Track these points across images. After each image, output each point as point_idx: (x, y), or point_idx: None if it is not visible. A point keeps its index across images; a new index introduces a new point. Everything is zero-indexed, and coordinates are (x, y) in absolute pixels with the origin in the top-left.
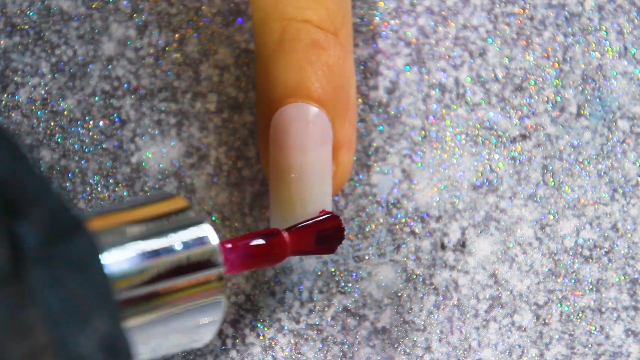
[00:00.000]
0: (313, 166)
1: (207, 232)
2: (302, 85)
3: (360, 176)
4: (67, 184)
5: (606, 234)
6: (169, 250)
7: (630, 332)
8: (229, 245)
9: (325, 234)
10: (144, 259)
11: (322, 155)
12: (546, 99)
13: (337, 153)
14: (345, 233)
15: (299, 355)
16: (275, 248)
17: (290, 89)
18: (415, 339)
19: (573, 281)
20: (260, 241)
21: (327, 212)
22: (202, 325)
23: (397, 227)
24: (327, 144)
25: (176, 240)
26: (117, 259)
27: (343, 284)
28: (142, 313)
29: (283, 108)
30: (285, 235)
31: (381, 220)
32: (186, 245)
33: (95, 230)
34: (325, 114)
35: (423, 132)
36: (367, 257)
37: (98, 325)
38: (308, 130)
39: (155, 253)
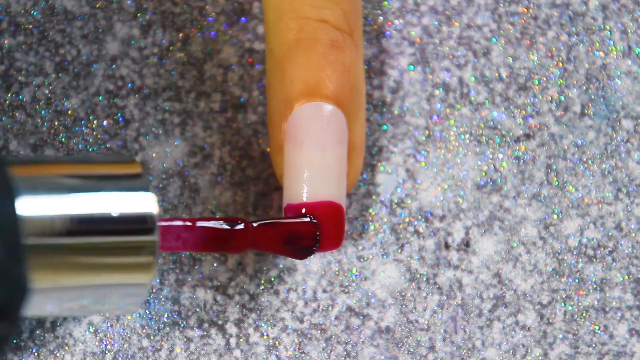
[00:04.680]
0: (331, 166)
1: (148, 200)
2: (321, 84)
3: (364, 175)
4: None
5: (610, 234)
6: (98, 209)
7: (634, 332)
8: (188, 224)
9: (296, 238)
10: (65, 211)
11: (339, 155)
12: (550, 98)
13: (350, 154)
14: (315, 242)
15: (303, 355)
16: (235, 238)
17: (309, 88)
18: (419, 338)
19: (577, 281)
20: (222, 226)
21: (306, 216)
22: (122, 296)
23: (401, 226)
24: (344, 144)
25: (109, 201)
26: (35, 204)
27: (347, 284)
28: (56, 264)
29: (302, 106)
30: (251, 227)
31: (385, 220)
32: (119, 207)
33: (18, 174)
34: (342, 114)
35: (427, 132)
36: (370, 257)
37: None
38: (327, 129)
39: (82, 209)
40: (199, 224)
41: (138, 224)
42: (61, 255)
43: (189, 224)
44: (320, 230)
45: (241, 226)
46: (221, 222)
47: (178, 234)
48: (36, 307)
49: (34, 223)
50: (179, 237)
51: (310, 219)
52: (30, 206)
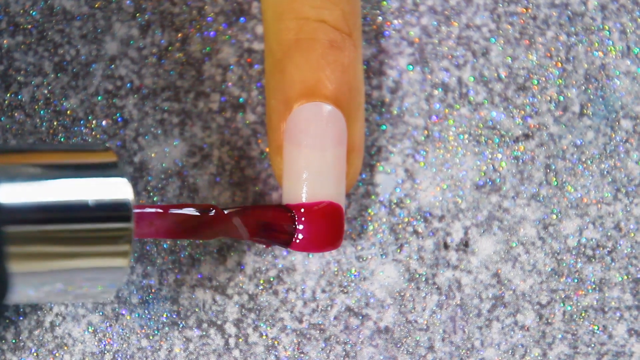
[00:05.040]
0: (330, 166)
1: (123, 187)
2: (321, 84)
3: (363, 176)
4: None
5: (609, 234)
6: (74, 196)
7: (633, 332)
8: (160, 210)
9: (268, 228)
10: (42, 198)
11: (339, 155)
12: (549, 98)
13: (349, 154)
14: (290, 236)
15: (302, 355)
16: (206, 224)
17: (308, 88)
18: (418, 338)
19: (576, 281)
20: (193, 213)
21: (283, 208)
22: (99, 281)
23: (400, 226)
24: (344, 144)
25: (85, 188)
26: (10, 192)
27: (346, 284)
28: (34, 251)
29: (301, 107)
30: (222, 214)
31: (384, 220)
32: (95, 194)
33: None
34: (342, 114)
35: (426, 132)
36: (369, 257)
37: None
38: (326, 129)
39: (58, 196)
40: (171, 210)
41: (114, 210)
42: (39, 243)
43: (161, 210)
44: (319, 229)
45: (212, 213)
46: (193, 209)
47: (151, 220)
48: (17, 293)
49: (10, 211)
50: (152, 223)
51: (288, 211)
52: (6, 194)
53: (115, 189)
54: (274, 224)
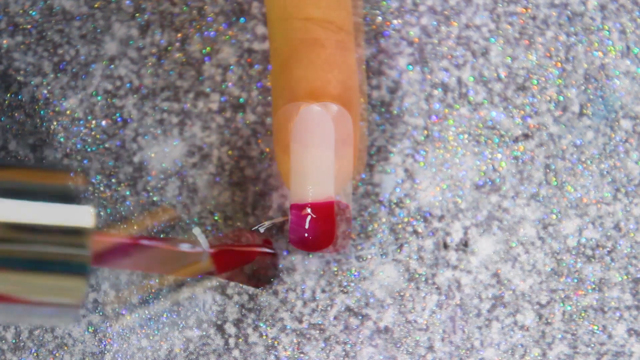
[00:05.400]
0: (337, 166)
1: (84, 213)
2: (329, 84)
3: (363, 175)
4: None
5: (609, 234)
6: (35, 218)
7: (632, 332)
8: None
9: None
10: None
11: (345, 155)
12: (549, 98)
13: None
14: (275, 274)
15: (302, 355)
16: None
17: (315, 89)
18: (417, 338)
19: (575, 281)
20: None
21: (266, 246)
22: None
23: (400, 226)
24: (350, 144)
25: (47, 211)
26: None
27: (345, 284)
28: None
29: (309, 107)
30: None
31: (384, 220)
32: (56, 218)
33: None
34: (348, 114)
35: (425, 132)
36: (369, 257)
37: None
38: (335, 130)
39: (18, 216)
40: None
41: (73, 236)
42: None
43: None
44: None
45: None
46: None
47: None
48: None
49: None
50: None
51: (270, 249)
52: None
53: (77, 214)
54: (259, 263)
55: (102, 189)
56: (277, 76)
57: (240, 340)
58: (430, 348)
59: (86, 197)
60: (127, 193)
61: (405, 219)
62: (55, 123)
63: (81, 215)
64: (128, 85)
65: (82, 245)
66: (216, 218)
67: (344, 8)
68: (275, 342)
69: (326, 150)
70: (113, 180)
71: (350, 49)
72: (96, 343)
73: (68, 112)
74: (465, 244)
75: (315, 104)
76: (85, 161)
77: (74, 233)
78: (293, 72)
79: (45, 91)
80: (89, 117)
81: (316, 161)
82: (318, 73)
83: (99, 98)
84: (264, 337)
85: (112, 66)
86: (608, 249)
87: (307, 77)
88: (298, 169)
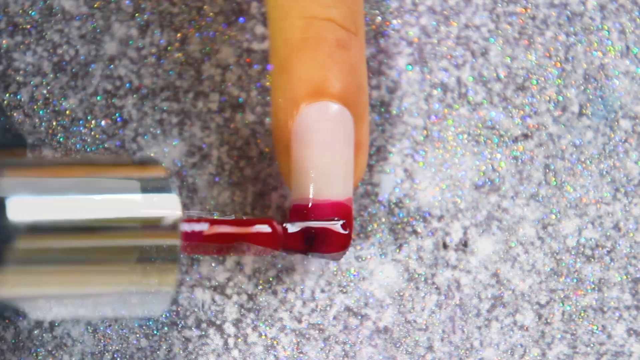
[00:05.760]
0: (339, 165)
1: (171, 202)
2: (329, 84)
3: None
4: None
5: (608, 234)
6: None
7: (632, 332)
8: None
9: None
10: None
11: (347, 154)
12: (548, 98)
13: (355, 153)
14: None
15: (301, 355)
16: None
17: (317, 88)
18: (417, 338)
19: (575, 281)
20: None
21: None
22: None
23: (399, 226)
24: (351, 143)
25: (133, 202)
26: (23, 205)
27: (345, 284)
28: (49, 265)
29: (310, 106)
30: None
31: (383, 220)
32: (142, 209)
33: (11, 176)
34: (349, 113)
35: (425, 132)
36: (369, 257)
37: None
38: (336, 129)
39: (89, 213)
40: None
41: (164, 226)
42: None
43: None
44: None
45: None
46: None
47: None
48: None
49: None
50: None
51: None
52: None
53: (163, 203)
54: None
55: None
56: (277, 75)
57: (239, 340)
58: (430, 348)
59: (172, 185)
60: None
61: (405, 219)
62: (54, 123)
63: (170, 204)
64: (128, 85)
65: (173, 235)
66: (216, 218)
67: (346, 6)
68: (275, 342)
69: (328, 149)
70: None
71: (351, 47)
72: (95, 343)
73: (67, 112)
74: (465, 244)
75: (315, 103)
76: None
77: (164, 222)
78: (293, 71)
79: (45, 91)
80: (89, 117)
81: (318, 161)
82: (318, 72)
83: (98, 98)
84: (263, 337)
85: (112, 66)
86: (607, 249)
87: (307, 76)
88: (299, 169)
